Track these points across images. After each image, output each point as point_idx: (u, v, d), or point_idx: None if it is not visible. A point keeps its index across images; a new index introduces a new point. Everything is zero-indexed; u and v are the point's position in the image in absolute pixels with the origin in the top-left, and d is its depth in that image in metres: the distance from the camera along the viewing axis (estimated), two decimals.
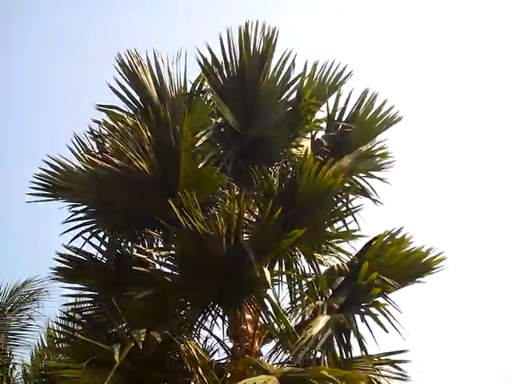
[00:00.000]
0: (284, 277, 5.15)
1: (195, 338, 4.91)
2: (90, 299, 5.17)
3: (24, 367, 7.11)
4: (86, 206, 5.39)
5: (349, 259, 5.30)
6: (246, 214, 5.00)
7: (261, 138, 5.65)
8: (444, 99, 12.04)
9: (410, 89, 11.55)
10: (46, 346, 6.80)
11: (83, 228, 5.35)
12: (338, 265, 5.26)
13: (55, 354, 5.62)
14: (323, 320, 4.65)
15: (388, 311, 4.55)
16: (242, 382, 3.99)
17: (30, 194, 5.37)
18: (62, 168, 5.40)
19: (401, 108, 5.87)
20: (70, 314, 5.13)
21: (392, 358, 4.86)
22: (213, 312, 4.93)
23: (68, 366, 4.39)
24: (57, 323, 5.59)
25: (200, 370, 4.54)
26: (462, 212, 11.52)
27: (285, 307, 5.08)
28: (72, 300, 5.22)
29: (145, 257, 5.00)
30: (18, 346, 7.31)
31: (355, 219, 5.46)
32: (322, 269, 5.25)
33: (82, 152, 5.47)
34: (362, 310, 4.58)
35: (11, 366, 7.27)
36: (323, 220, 5.19)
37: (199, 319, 4.93)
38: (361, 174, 5.85)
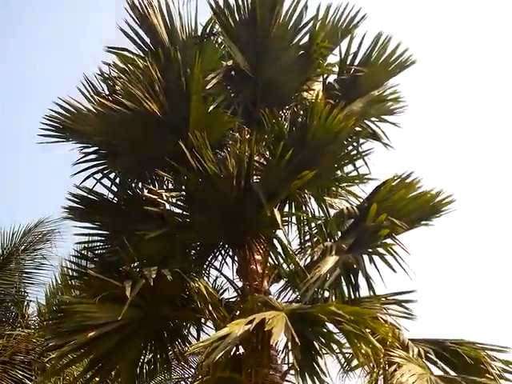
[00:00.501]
0: (294, 219, 5.20)
1: (205, 277, 4.99)
2: (102, 238, 5.25)
3: (38, 305, 7.31)
4: (96, 148, 5.43)
5: (358, 202, 5.32)
6: (256, 157, 5.00)
7: (272, 81, 5.59)
8: (458, 44, 11.86)
9: (425, 33, 11.35)
10: (60, 284, 6.96)
11: (94, 169, 5.40)
12: (347, 208, 5.27)
13: (69, 292, 5.74)
14: (332, 260, 4.68)
15: (396, 252, 4.58)
16: (251, 316, 4.04)
17: (41, 135, 5.41)
18: (72, 110, 5.41)
19: (414, 51, 5.80)
20: (83, 252, 5.21)
21: (399, 297, 4.91)
22: (222, 252, 4.99)
23: (81, 301, 4.49)
24: (70, 261, 5.69)
25: (210, 307, 4.62)
26: (473, 157, 11.50)
27: (294, 248, 5.14)
28: (84, 239, 5.32)
29: (155, 197, 5.04)
30: (32, 284, 7.51)
31: (366, 163, 5.47)
32: (332, 212, 5.30)
33: (92, 94, 5.47)
34: (370, 250, 4.60)
35: (26, 303, 7.47)
36: (333, 163, 5.19)
37: (209, 259, 4.99)
38: (372, 119, 5.83)
